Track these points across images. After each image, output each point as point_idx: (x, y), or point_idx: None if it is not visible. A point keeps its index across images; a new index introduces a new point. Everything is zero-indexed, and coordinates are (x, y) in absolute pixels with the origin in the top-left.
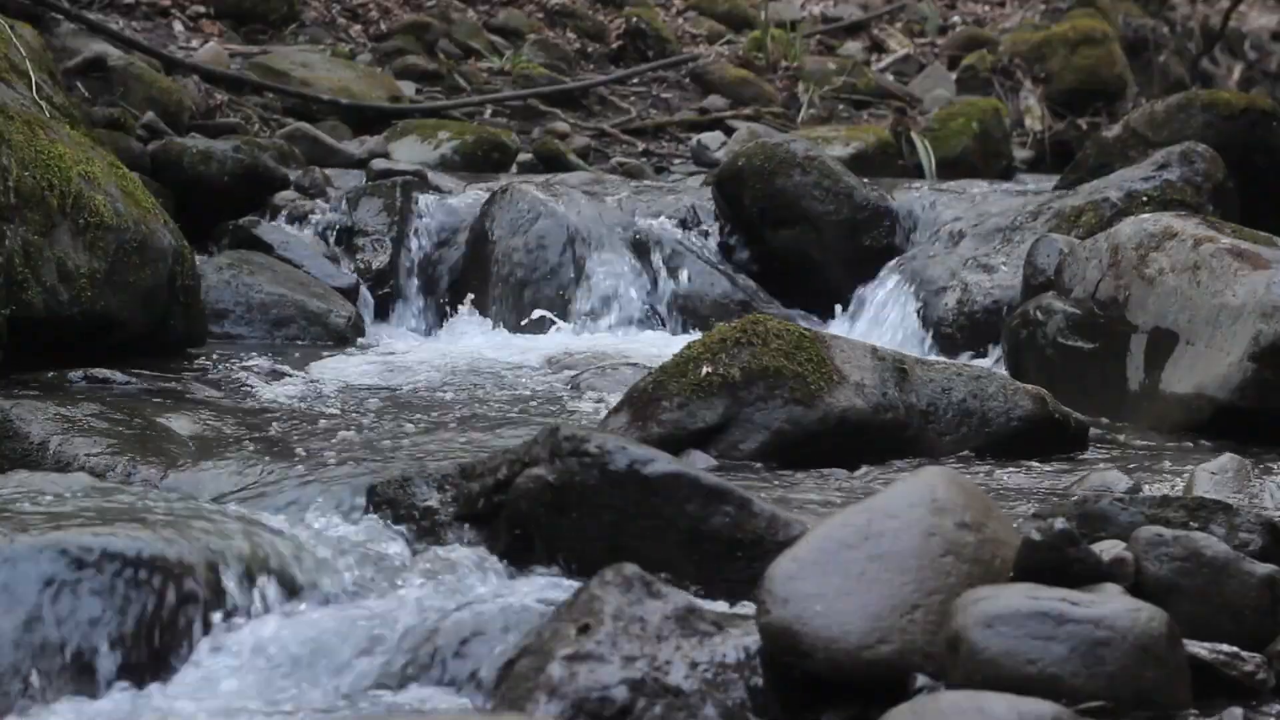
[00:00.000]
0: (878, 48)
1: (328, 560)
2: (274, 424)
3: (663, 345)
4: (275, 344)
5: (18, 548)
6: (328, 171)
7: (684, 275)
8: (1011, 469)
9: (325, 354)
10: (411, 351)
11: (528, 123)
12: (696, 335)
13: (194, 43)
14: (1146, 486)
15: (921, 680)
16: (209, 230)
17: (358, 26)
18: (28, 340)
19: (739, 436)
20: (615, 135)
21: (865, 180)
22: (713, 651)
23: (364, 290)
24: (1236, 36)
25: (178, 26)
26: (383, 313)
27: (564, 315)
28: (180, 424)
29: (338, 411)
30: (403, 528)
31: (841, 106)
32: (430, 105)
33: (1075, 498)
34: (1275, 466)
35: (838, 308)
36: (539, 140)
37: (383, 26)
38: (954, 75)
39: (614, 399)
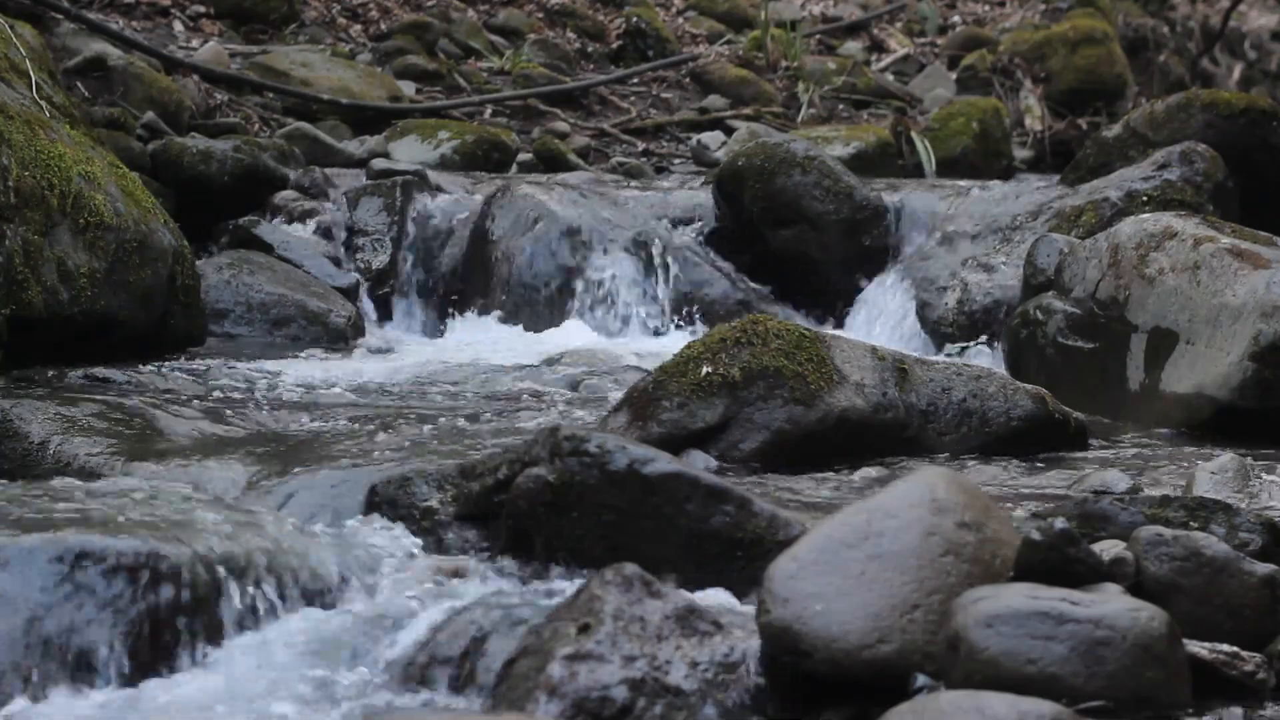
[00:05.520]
0: (878, 47)
1: (327, 560)
2: (273, 424)
3: (662, 345)
4: (275, 344)
5: (19, 548)
6: (328, 171)
7: (684, 275)
8: (1011, 469)
9: (325, 354)
10: (411, 351)
11: (528, 123)
12: (696, 335)
13: (194, 43)
14: (1146, 486)
15: (921, 680)
16: (209, 230)
17: (358, 26)
18: (28, 340)
19: (739, 436)
20: (615, 135)
21: (865, 180)
22: (713, 651)
23: (364, 290)
24: (1236, 36)
25: (178, 26)
26: (383, 312)
27: (564, 315)
28: (180, 424)
29: (337, 411)
30: (403, 527)
31: (841, 106)
32: (430, 105)
33: (1075, 498)
34: (1275, 466)
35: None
36: (539, 140)
37: (383, 26)
38: (954, 75)
39: (614, 399)
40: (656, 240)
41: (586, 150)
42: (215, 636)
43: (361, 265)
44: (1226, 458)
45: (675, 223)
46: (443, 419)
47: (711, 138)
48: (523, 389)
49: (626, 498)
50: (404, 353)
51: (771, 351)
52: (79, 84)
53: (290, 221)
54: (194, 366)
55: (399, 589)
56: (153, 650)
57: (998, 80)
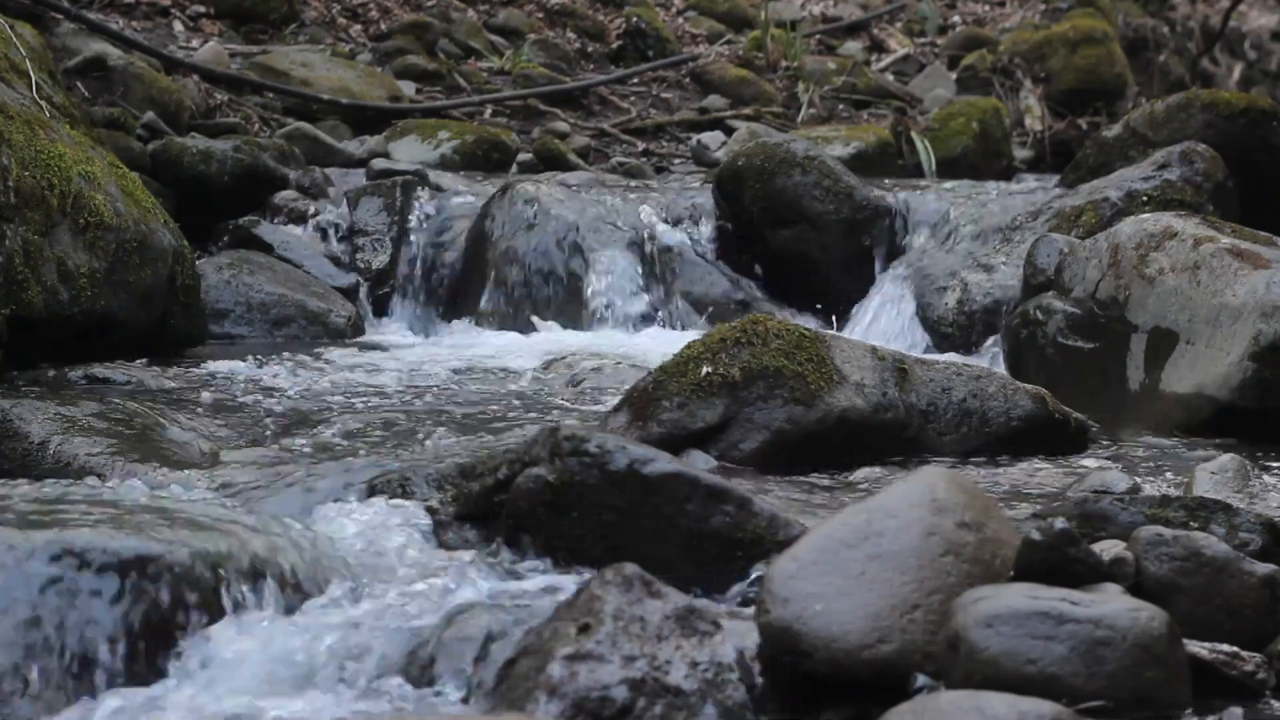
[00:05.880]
0: (878, 47)
1: (327, 561)
2: (273, 424)
3: (663, 345)
4: (275, 343)
5: (18, 547)
6: (328, 171)
7: (684, 275)
8: (1011, 469)
9: (325, 353)
10: (411, 351)
11: (528, 123)
12: (696, 335)
13: (194, 43)
14: (1146, 486)
15: (921, 680)
16: (209, 230)
17: (358, 26)
18: (28, 340)
19: (739, 436)
20: (615, 135)
21: (865, 180)
22: (713, 651)
23: (364, 290)
24: (1236, 36)
25: (178, 26)
26: (383, 312)
27: (563, 315)
28: (180, 424)
29: (337, 411)
30: (402, 527)
31: (841, 106)
32: (430, 105)
33: (1075, 498)
34: (1275, 466)
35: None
36: (539, 140)
37: (383, 26)
38: (954, 75)
39: (614, 399)
40: (656, 240)
41: (586, 150)
42: (215, 636)
43: (361, 265)
44: (1226, 458)
45: (675, 223)
46: (442, 419)
47: (711, 138)
48: (522, 388)
49: (626, 498)
50: (404, 352)
51: (771, 351)
52: (79, 84)
53: (290, 221)
54: (194, 366)
55: (398, 589)
56: (153, 650)
57: (998, 80)
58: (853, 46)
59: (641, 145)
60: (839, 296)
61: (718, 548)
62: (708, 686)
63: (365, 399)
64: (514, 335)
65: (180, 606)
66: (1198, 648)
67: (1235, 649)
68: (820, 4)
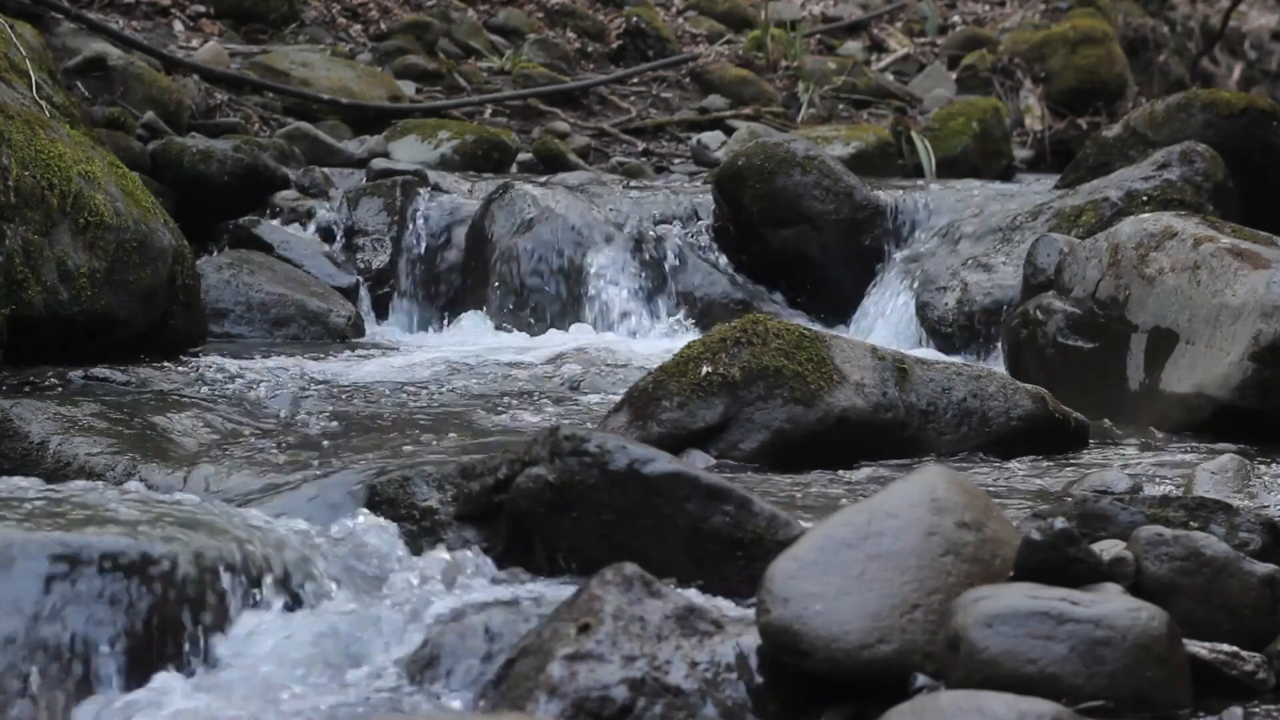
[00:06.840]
0: (878, 47)
1: (327, 561)
2: (273, 424)
3: (662, 345)
4: (275, 343)
5: (18, 547)
6: (328, 171)
7: (684, 275)
8: (1011, 469)
9: (325, 353)
10: (411, 351)
11: (528, 122)
12: (696, 335)
13: (194, 42)
14: (1146, 486)
15: (921, 680)
16: (209, 230)
17: (358, 26)
18: (28, 340)
19: (739, 436)
20: (615, 135)
21: (865, 180)
22: (713, 651)
23: (364, 290)
24: (1236, 36)
25: (178, 26)
26: (383, 312)
27: (563, 314)
28: (180, 424)
29: (336, 411)
30: (403, 528)
31: (841, 106)
32: (430, 105)
33: (1075, 498)
34: (1275, 466)
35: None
36: (539, 140)
37: (383, 26)
38: (954, 75)
39: (614, 399)
40: (656, 240)
41: (586, 150)
42: (216, 637)
43: (361, 265)
44: (1226, 458)
45: (675, 222)
46: (442, 419)
47: (711, 137)
48: (522, 388)
49: (626, 497)
50: (404, 352)
51: (771, 351)
52: (79, 84)
53: (290, 221)
54: (194, 366)
55: (399, 589)
56: (153, 651)
57: (998, 80)
58: (853, 46)
59: (641, 145)
60: (839, 296)
61: (718, 547)
62: (708, 686)
63: (365, 399)
64: (514, 335)
65: (180, 607)
66: (1198, 648)
67: (1235, 649)
68: (820, 4)
